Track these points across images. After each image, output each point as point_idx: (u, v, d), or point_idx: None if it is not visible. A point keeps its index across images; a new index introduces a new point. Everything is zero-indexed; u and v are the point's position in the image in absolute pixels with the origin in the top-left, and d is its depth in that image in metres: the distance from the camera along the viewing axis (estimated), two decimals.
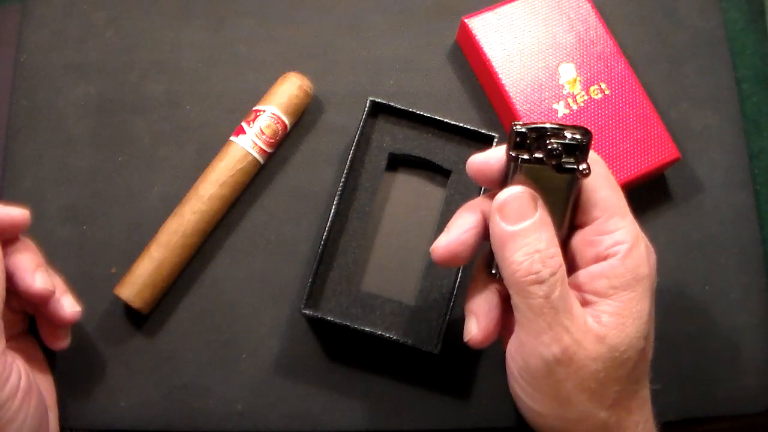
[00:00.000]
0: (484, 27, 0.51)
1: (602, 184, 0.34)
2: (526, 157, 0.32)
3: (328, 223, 0.47)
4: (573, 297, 0.32)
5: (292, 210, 0.51)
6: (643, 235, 0.34)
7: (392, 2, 0.56)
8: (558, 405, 0.33)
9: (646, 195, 0.52)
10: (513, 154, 0.32)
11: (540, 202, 0.32)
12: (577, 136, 0.31)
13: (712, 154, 0.54)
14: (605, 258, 0.33)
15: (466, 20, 0.52)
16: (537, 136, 0.31)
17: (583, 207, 0.34)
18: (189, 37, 0.55)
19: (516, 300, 0.32)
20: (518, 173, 0.33)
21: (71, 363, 0.47)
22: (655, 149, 0.50)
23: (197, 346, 0.48)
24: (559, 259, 0.32)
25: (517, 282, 0.32)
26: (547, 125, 0.31)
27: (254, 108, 0.50)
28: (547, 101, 0.50)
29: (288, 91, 0.50)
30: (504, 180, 0.34)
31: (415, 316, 0.47)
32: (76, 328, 0.47)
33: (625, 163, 0.49)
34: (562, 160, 0.32)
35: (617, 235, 0.33)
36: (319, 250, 0.46)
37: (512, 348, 0.34)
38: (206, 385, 0.47)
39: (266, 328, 0.48)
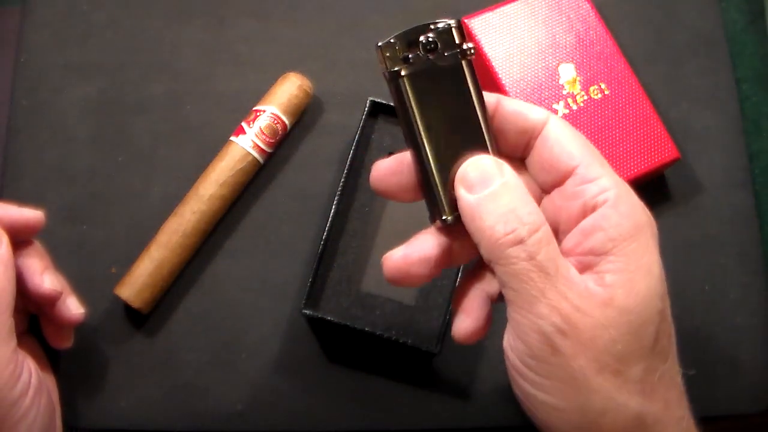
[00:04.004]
0: (484, 27, 0.51)
1: (569, 132, 0.30)
2: (404, 72, 0.28)
3: (328, 223, 0.47)
4: (565, 261, 0.28)
5: (292, 210, 0.51)
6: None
7: (392, 2, 0.56)
8: (575, 391, 0.27)
9: (646, 195, 0.52)
10: (396, 69, 0.28)
11: (506, 167, 0.29)
12: (449, 22, 0.29)
13: (712, 154, 0.54)
14: (594, 208, 0.28)
15: (466, 20, 0.52)
16: (407, 44, 0.28)
17: (555, 161, 0.30)
18: (189, 37, 0.55)
19: (499, 273, 0.28)
20: (408, 98, 0.29)
21: (72, 363, 0.47)
22: (655, 149, 0.50)
23: (197, 346, 0.48)
24: (538, 217, 0.28)
25: (495, 248, 0.27)
26: (410, 28, 0.29)
27: (254, 108, 0.50)
28: (547, 101, 0.50)
29: (288, 91, 0.50)
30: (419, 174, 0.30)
31: (415, 316, 0.47)
32: (77, 327, 0.47)
33: (625, 163, 0.49)
34: (441, 53, 0.28)
35: (602, 182, 0.29)
36: (319, 250, 0.46)
37: (509, 336, 0.29)
38: (206, 385, 0.47)
39: (266, 328, 0.48)
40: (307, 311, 0.45)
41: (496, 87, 0.51)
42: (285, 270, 0.49)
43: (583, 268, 0.28)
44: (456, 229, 0.30)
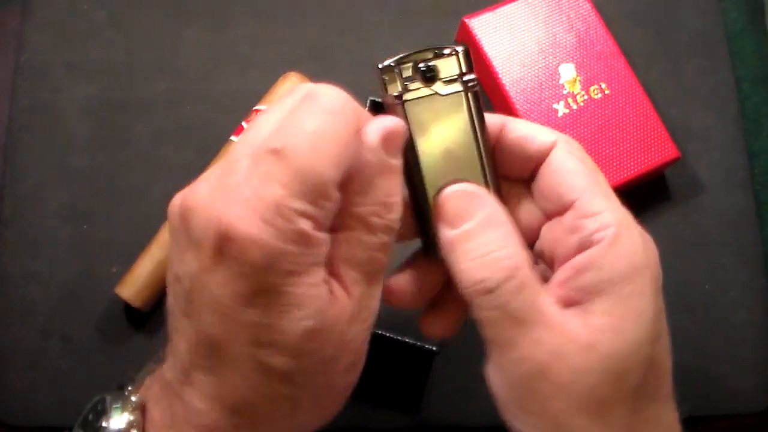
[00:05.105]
0: (484, 27, 0.51)
1: (573, 162, 0.28)
2: (403, 98, 0.27)
3: None
4: (547, 301, 0.27)
5: None
6: (636, 224, 0.28)
7: (392, 2, 0.56)
8: (554, 430, 0.26)
9: (646, 195, 0.52)
10: (394, 95, 0.27)
11: (488, 198, 0.28)
12: (457, 48, 0.27)
13: (712, 154, 0.54)
14: (590, 245, 0.27)
15: (466, 20, 0.52)
16: (408, 69, 0.27)
17: (556, 191, 0.29)
18: (189, 37, 0.55)
19: (475, 314, 0.27)
20: (406, 125, 0.27)
21: (71, 362, 0.47)
22: (655, 149, 0.50)
23: None
24: (514, 260, 0.26)
25: (466, 293, 0.27)
26: (413, 51, 0.27)
27: (255, 108, 0.50)
28: (547, 101, 0.50)
29: (288, 91, 0.50)
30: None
31: (415, 314, 0.46)
32: (76, 327, 0.47)
33: (625, 163, 0.49)
34: (442, 81, 0.27)
35: (603, 218, 0.27)
36: None
37: (489, 369, 0.28)
38: None
39: None
40: None
41: (497, 87, 0.51)
42: None
43: (571, 303, 0.27)
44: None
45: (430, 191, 0.28)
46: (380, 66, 0.27)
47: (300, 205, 0.23)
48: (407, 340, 0.44)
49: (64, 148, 0.51)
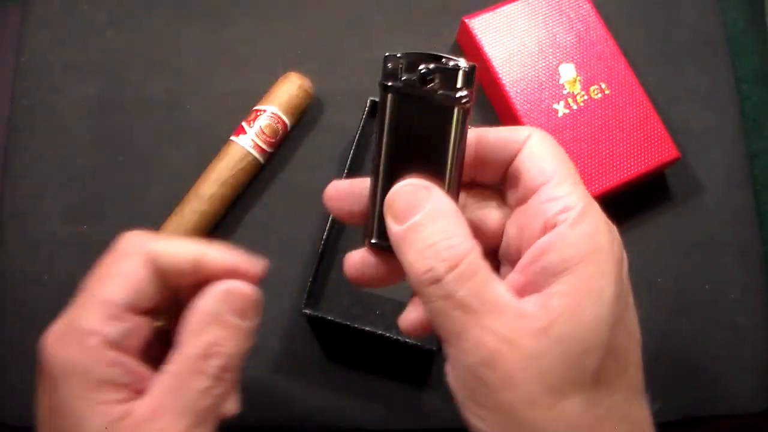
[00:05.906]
0: (484, 27, 0.51)
1: (544, 147, 0.29)
2: (392, 87, 0.28)
3: (328, 223, 0.47)
4: (498, 288, 0.26)
5: (292, 210, 0.51)
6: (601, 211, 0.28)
7: (392, 2, 0.56)
8: (506, 423, 0.25)
9: (646, 195, 0.52)
10: (387, 83, 0.28)
11: (436, 190, 0.28)
12: (462, 65, 0.28)
13: (712, 154, 0.54)
14: (553, 226, 0.27)
15: (466, 20, 0.52)
16: (410, 65, 0.28)
17: (523, 178, 0.29)
18: (189, 37, 0.55)
19: (426, 308, 0.27)
20: (386, 113, 0.28)
21: None
22: (655, 149, 0.50)
23: None
24: (462, 247, 0.26)
25: (415, 285, 0.27)
26: (424, 52, 0.28)
27: (255, 108, 0.50)
28: (547, 101, 0.50)
29: (288, 90, 0.50)
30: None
31: None
32: None
33: (625, 163, 0.49)
34: (437, 89, 0.28)
35: (567, 200, 0.27)
36: (319, 250, 0.46)
37: (446, 366, 0.28)
38: None
39: (266, 328, 0.48)
40: (307, 311, 0.45)
41: (497, 87, 0.51)
42: (285, 270, 0.49)
43: (532, 289, 0.27)
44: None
45: (386, 180, 0.29)
46: (386, 54, 0.28)
47: (87, 323, 0.28)
48: (407, 340, 0.45)
49: (64, 148, 0.51)
